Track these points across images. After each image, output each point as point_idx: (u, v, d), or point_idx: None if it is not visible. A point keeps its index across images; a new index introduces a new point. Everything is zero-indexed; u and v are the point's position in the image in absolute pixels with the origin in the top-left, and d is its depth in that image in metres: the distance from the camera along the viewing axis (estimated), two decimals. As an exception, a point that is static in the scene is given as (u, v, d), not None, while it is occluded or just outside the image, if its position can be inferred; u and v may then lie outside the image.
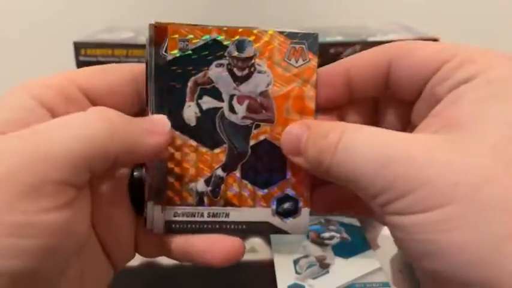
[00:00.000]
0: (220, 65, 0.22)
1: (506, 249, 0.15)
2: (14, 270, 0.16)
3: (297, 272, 0.31)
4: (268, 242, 0.36)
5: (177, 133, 0.22)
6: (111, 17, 0.65)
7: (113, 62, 0.48)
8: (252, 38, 0.22)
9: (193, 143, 0.22)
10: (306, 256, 0.33)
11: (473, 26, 0.70)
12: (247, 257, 0.34)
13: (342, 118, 0.23)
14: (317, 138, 0.19)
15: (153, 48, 0.21)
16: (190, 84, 0.22)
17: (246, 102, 0.22)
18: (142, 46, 0.50)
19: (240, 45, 0.22)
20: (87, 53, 0.47)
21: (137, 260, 0.23)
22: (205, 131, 0.22)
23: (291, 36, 0.22)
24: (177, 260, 0.23)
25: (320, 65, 0.22)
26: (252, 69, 0.22)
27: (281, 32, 0.22)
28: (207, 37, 0.22)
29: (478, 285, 0.15)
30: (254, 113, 0.23)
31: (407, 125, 0.22)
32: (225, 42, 0.22)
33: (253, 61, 0.22)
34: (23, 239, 0.16)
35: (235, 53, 0.22)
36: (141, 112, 0.22)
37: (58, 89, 0.20)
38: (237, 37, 0.22)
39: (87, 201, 0.19)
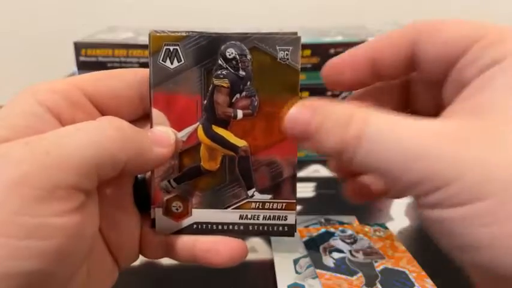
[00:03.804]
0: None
1: None
2: (29, 271, 0.16)
3: (297, 272, 0.31)
4: (268, 242, 0.36)
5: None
6: (111, 17, 0.65)
7: (113, 62, 0.48)
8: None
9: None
10: (306, 256, 0.33)
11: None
12: (247, 257, 0.34)
13: (373, 102, 0.22)
14: (336, 125, 0.18)
15: (151, 57, 0.22)
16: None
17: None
18: (142, 46, 0.51)
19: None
20: (87, 53, 0.47)
21: (137, 260, 0.23)
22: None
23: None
24: (182, 261, 0.23)
25: (319, 64, 0.22)
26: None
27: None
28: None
29: None
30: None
31: (439, 107, 0.21)
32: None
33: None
34: (37, 241, 0.16)
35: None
36: (144, 116, 0.23)
37: (64, 94, 0.20)
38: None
39: (95, 205, 0.20)
